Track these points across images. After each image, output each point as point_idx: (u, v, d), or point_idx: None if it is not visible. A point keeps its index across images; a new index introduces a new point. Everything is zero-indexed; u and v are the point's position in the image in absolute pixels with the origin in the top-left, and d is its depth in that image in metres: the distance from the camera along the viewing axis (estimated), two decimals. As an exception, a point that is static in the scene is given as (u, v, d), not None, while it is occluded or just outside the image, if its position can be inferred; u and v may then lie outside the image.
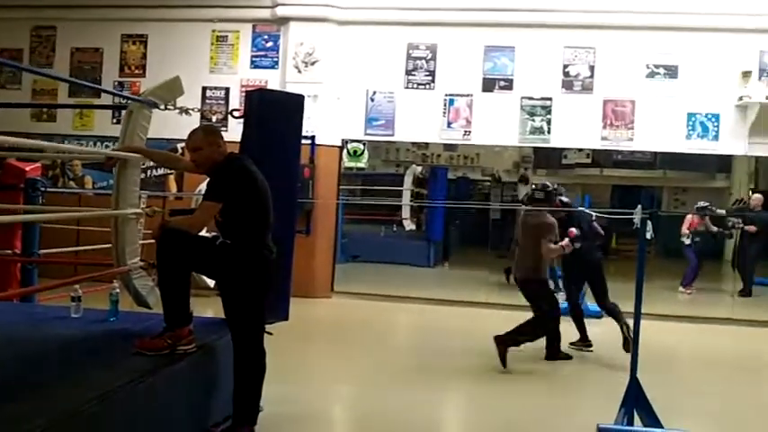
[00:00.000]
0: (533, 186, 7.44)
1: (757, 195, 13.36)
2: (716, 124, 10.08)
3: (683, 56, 10.08)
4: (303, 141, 10.08)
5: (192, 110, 5.35)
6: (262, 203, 4.30)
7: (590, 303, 9.84)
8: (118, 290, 4.99)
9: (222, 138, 4.40)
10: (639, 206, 5.29)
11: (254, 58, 10.90)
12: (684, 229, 13.00)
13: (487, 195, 22.11)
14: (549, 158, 21.10)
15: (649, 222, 5.26)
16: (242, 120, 5.19)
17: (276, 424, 4.74)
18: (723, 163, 20.15)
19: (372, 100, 10.65)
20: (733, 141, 10.14)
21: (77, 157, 9.93)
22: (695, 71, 10.05)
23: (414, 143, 19.62)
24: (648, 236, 5.27)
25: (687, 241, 12.91)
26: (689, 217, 13.05)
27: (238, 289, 4.28)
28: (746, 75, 9.89)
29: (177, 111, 5.26)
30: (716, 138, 10.12)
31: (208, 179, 4.39)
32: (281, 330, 4.92)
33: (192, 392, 4.27)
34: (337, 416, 5.70)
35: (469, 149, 20.85)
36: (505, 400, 6.13)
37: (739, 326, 10.07)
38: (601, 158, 19.77)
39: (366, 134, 10.91)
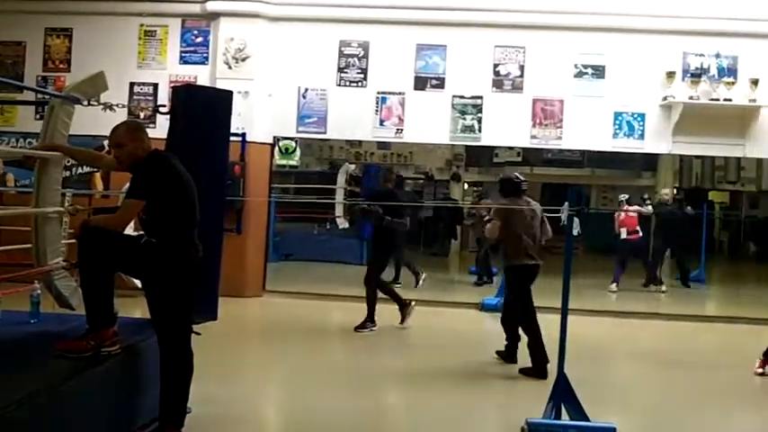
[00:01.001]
0: (518, 178, 7.32)
1: (666, 190, 13.69)
2: (641, 123, 10.33)
3: (610, 56, 10.30)
4: (233, 138, 10.02)
5: (117, 105, 5.22)
6: (187, 201, 4.21)
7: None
8: (39, 291, 4.83)
9: (146, 134, 4.29)
10: (566, 203, 5.37)
11: (183, 54, 10.70)
12: (619, 228, 13.11)
13: (420, 193, 22.25)
14: (480, 157, 21.37)
15: (576, 219, 5.35)
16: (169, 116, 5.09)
17: (204, 426, 4.66)
18: (649, 161, 20.71)
19: (304, 97, 10.58)
20: (658, 140, 10.42)
21: (-4, 154, 9.59)
22: (622, 71, 10.28)
23: (347, 141, 19.61)
24: (575, 232, 5.36)
25: (624, 234, 13.00)
26: (622, 216, 13.13)
27: (164, 288, 4.18)
28: (671, 75, 10.16)
29: (101, 107, 5.11)
30: (641, 137, 10.37)
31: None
32: (210, 330, 4.83)
33: (116, 395, 4.16)
34: (266, 417, 5.63)
35: (403, 147, 20.95)
36: (437, 398, 6.15)
37: (663, 320, 10.37)
38: (531, 157, 20.10)
39: (298, 132, 10.84)
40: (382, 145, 20.55)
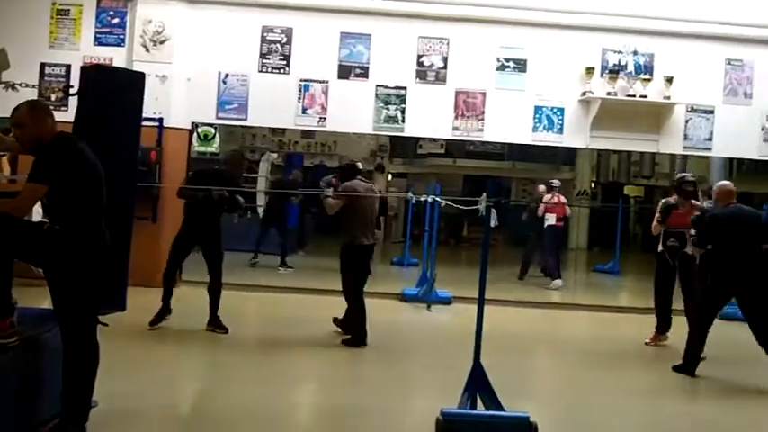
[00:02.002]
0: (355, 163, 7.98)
1: (541, 186, 13.53)
2: (560, 118, 10.48)
3: (531, 51, 10.40)
4: (150, 124, 9.82)
5: (20, 85, 4.96)
6: (93, 186, 4.03)
7: (439, 290, 10.08)
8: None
9: (51, 115, 4.09)
10: (484, 195, 5.39)
11: (98, 35, 10.29)
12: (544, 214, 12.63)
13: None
14: (404, 148, 21.46)
15: (494, 211, 5.37)
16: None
17: (109, 422, 4.46)
18: (568, 156, 21.19)
19: (225, 83, 10.34)
20: (576, 135, 10.59)
21: None
22: (542, 66, 10.41)
23: (271, 129, 19.37)
24: (493, 224, 5.38)
25: (552, 221, 12.53)
26: (554, 200, 12.71)
27: (67, 277, 4.00)
28: (590, 71, 10.34)
29: (2, 86, 4.85)
30: (560, 131, 10.52)
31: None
32: (119, 321, 4.65)
33: (14, 388, 3.96)
34: (173, 412, 5.44)
35: (327, 137, 20.83)
36: (352, 389, 6.10)
37: (579, 311, 10.57)
38: (454, 149, 20.29)
39: (218, 118, 10.59)
40: (306, 134, 20.40)
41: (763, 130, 10.63)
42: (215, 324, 7.51)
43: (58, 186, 3.91)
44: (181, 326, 7.57)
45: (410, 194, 13.53)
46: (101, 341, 4.16)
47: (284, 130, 19.06)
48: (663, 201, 8.45)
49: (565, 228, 13.17)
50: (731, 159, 17.66)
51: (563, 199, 12.97)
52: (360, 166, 7.96)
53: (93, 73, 4.97)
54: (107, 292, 4.36)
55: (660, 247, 8.21)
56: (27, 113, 4.01)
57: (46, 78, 10.17)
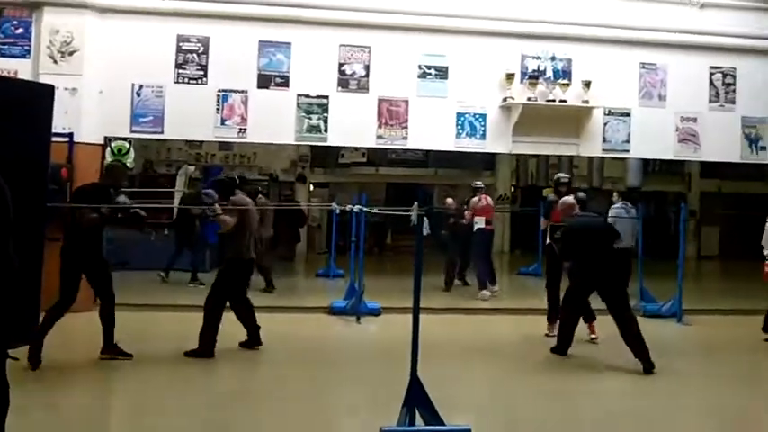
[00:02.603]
0: (231, 179, 8.19)
1: (449, 199, 13.46)
2: (483, 124, 10.50)
3: (452, 58, 10.40)
4: (60, 139, 9.34)
5: None
6: (-1, 208, 3.69)
7: (368, 301, 9.92)
8: None
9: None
10: (416, 203, 5.26)
11: (1, 46, 9.77)
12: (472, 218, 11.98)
13: (266, 195, 21.79)
14: (326, 157, 21.23)
15: (426, 219, 5.25)
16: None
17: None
18: (489, 161, 21.41)
19: (139, 95, 9.96)
20: (498, 140, 10.62)
21: None
22: (464, 73, 10.41)
23: (187, 142, 18.89)
24: (425, 232, 5.26)
25: (482, 224, 11.90)
26: (482, 203, 12.12)
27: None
28: (510, 77, 10.39)
29: None
30: (483, 137, 10.54)
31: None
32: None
33: None
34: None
35: (246, 148, 20.44)
36: (289, 406, 5.88)
37: (509, 315, 10.54)
38: (376, 157, 20.21)
39: (132, 131, 10.16)
40: (224, 146, 19.97)
41: (677, 131, 10.91)
42: (113, 351, 6.95)
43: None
44: (97, 351, 7.09)
45: (334, 205, 13.33)
46: (10, 377, 3.82)
47: (201, 142, 18.58)
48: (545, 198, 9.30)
49: (493, 231, 12.62)
50: (646, 160, 18.12)
51: (490, 201, 12.58)
52: (236, 180, 8.19)
53: (-5, 86, 4.61)
54: (17, 323, 4.01)
55: (548, 240, 8.94)
56: None
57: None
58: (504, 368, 7.48)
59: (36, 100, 4.65)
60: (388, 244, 21.77)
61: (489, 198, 12.62)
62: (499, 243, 21.32)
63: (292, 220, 18.49)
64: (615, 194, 12.73)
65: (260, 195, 12.65)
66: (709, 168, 21.71)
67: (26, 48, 9.77)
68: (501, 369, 7.46)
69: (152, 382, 6.59)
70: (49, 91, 4.76)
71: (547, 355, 7.89)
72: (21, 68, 9.65)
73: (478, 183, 12.62)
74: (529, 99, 10.40)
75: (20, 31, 9.78)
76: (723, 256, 22.28)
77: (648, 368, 7.08)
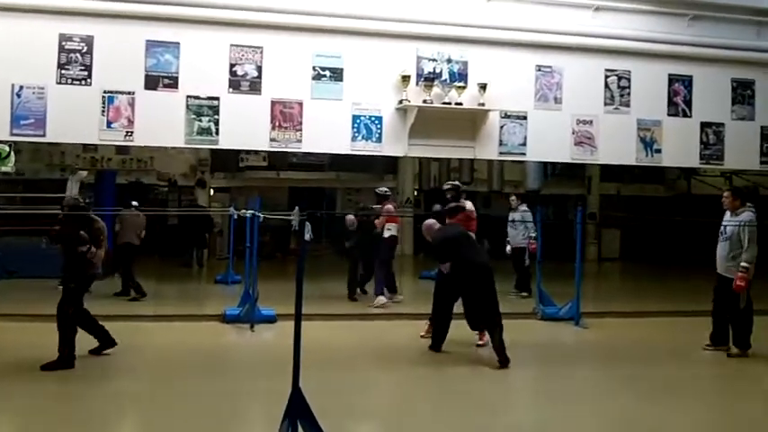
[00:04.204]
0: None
1: (349, 217, 13.42)
2: (379, 126, 10.38)
3: (347, 59, 10.22)
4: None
5: None
6: None
7: (263, 308, 9.70)
8: None
9: None
10: (297, 208, 5.12)
11: None
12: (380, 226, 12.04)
13: (164, 201, 21.26)
14: (226, 161, 20.87)
15: (308, 224, 5.11)
16: None
17: None
18: (391, 164, 21.47)
19: (19, 96, 9.41)
20: (395, 143, 10.50)
21: None
22: (359, 74, 10.25)
23: (83, 145, 18.25)
24: (307, 237, 5.11)
25: (386, 234, 11.90)
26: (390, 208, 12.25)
27: None
28: (406, 79, 10.31)
29: None
30: (379, 140, 10.41)
31: None
32: None
33: None
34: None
35: (143, 152, 19.87)
36: (166, 424, 5.62)
37: (405, 319, 10.51)
38: (277, 161, 19.97)
39: (12, 134, 9.57)
40: (121, 149, 19.38)
41: (573, 134, 11.04)
42: None
43: None
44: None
45: (232, 209, 13.03)
46: None
47: (96, 146, 17.94)
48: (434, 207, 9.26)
49: (397, 238, 12.61)
50: (545, 163, 18.46)
51: (392, 208, 12.48)
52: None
53: None
54: None
55: None
56: None
57: None
58: (396, 373, 7.42)
59: None
60: (292, 248, 21.55)
61: (393, 204, 12.57)
62: (403, 246, 21.38)
63: (198, 225, 18.07)
64: (514, 198, 12.91)
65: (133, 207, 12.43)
66: (609, 172, 22.35)
67: None
68: (391, 375, 7.39)
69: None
70: None
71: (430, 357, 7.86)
72: None
73: (384, 189, 12.56)
74: (425, 101, 10.33)
75: None
76: (624, 258, 22.94)
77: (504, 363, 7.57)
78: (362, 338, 9.29)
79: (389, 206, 12.00)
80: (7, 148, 10.05)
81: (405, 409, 6.28)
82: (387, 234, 11.81)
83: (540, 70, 10.96)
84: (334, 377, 6.59)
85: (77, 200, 7.60)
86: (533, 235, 12.62)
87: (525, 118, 10.90)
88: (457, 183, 9.78)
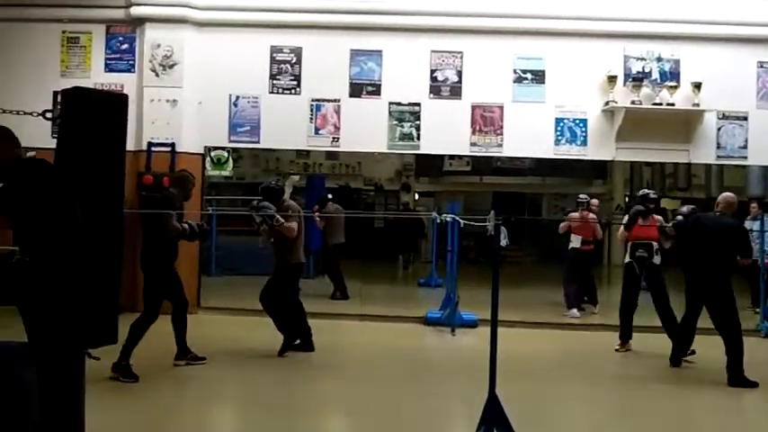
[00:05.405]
0: (276, 184, 8.00)
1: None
2: (584, 130, 10.07)
3: (549, 61, 10.03)
4: (162, 149, 9.71)
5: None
6: (62, 211, 3.76)
7: (464, 312, 9.66)
8: None
9: (13, 141, 3.88)
10: (492, 213, 5.03)
11: (108, 61, 10.19)
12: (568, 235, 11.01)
13: (371, 204, 21.92)
14: (430, 166, 21.14)
15: (504, 229, 5.01)
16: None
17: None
18: (600, 169, 20.66)
19: (236, 105, 10.15)
20: (601, 147, 10.15)
21: None
22: (562, 76, 10.02)
23: (296, 151, 19.24)
24: (504, 242, 5.02)
25: (577, 244, 10.81)
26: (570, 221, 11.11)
27: (42, 312, 3.72)
28: (612, 79, 9.93)
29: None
30: (584, 143, 10.10)
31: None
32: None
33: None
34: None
35: (351, 158, 20.60)
36: (368, 418, 5.75)
37: (598, 331, 9.98)
38: (481, 166, 19.90)
39: (230, 141, 10.38)
40: (331, 155, 20.21)
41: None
42: (187, 357, 7.26)
43: (24, 215, 3.66)
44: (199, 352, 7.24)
45: (434, 214, 13.15)
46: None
47: (307, 152, 18.86)
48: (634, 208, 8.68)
49: (594, 252, 11.32)
50: (770, 168, 16.94)
51: (592, 216, 11.11)
52: (279, 185, 8.06)
53: (71, 96, 4.70)
54: (96, 324, 4.07)
55: (627, 258, 8.47)
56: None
57: (59, 107, 10.03)
58: (591, 387, 7.08)
59: (109, 109, 4.71)
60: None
61: (592, 215, 11.09)
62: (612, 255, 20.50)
63: (412, 230, 18.43)
64: (755, 205, 11.85)
65: (329, 203, 12.76)
66: None
67: (131, 62, 10.16)
68: (586, 388, 7.05)
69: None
70: (120, 100, 4.81)
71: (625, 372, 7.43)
72: (126, 82, 10.07)
73: (582, 196, 11.31)
74: (633, 102, 9.90)
75: (125, 46, 10.18)
76: None
77: None
78: (565, 348, 8.97)
79: (574, 214, 10.98)
80: (226, 154, 10.83)
81: (605, 426, 5.98)
82: (570, 246, 10.84)
83: (762, 67, 10.14)
84: (531, 387, 6.42)
85: (269, 182, 7.96)
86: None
87: (746, 119, 10.13)
88: (647, 191, 9.11)
